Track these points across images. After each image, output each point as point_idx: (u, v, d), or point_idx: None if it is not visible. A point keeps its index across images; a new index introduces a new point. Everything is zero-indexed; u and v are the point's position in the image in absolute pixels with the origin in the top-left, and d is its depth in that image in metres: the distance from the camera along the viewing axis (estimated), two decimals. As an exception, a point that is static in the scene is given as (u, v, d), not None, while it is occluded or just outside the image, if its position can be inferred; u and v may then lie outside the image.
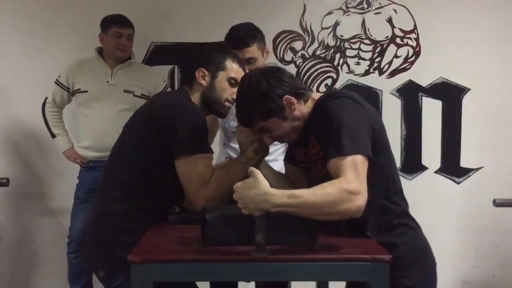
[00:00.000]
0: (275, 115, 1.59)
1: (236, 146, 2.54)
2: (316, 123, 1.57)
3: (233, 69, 1.87)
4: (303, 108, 1.62)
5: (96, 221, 1.81)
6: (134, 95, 2.95)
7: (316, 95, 1.66)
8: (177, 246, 1.43)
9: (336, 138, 1.42)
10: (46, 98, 3.03)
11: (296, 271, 1.27)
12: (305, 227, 1.36)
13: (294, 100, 1.58)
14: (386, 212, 1.57)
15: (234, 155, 2.08)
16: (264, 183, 1.31)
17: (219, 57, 1.87)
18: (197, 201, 1.70)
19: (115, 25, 2.90)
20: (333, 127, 1.45)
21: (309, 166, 1.64)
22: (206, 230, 1.38)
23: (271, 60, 2.89)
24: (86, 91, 2.94)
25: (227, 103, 1.88)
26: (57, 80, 2.98)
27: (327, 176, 1.43)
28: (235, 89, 1.82)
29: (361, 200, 1.34)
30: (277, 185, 1.60)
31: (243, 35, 2.36)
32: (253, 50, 2.36)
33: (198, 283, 1.79)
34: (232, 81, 1.86)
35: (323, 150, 1.50)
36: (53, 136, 3.04)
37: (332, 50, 3.32)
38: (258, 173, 1.32)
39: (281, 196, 1.30)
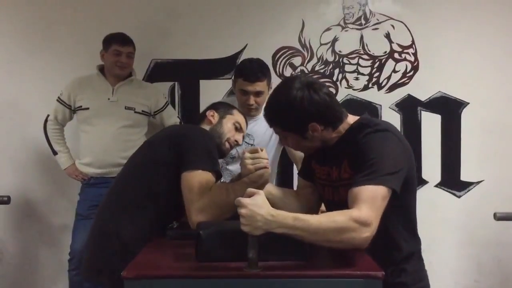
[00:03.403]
0: (295, 132, 1.59)
1: (232, 168, 2.58)
2: (353, 150, 1.53)
3: (239, 117, 2.11)
4: (329, 134, 1.60)
5: (103, 238, 1.82)
6: (135, 112, 2.98)
7: (351, 119, 1.63)
8: (172, 262, 1.44)
9: (369, 169, 1.42)
10: (48, 115, 3.05)
11: (288, 287, 1.28)
12: (298, 244, 1.36)
13: (319, 128, 1.56)
14: (398, 248, 1.59)
15: (230, 178, 2.14)
16: (268, 204, 1.32)
17: (228, 106, 2.15)
18: (190, 210, 1.69)
19: (115, 43, 2.94)
20: (370, 159, 1.44)
21: (336, 187, 1.62)
22: (200, 246, 1.39)
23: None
24: (87, 108, 2.96)
25: (227, 144, 2.03)
26: (58, 97, 3.01)
27: None
28: (239, 135, 2.07)
29: (369, 232, 1.32)
30: (279, 206, 1.60)
31: (257, 70, 2.51)
32: (263, 85, 2.52)
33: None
34: (237, 125, 2.06)
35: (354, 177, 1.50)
36: (55, 153, 3.05)
37: (331, 66, 3.34)
38: (262, 193, 1.33)
39: (286, 217, 1.30)
